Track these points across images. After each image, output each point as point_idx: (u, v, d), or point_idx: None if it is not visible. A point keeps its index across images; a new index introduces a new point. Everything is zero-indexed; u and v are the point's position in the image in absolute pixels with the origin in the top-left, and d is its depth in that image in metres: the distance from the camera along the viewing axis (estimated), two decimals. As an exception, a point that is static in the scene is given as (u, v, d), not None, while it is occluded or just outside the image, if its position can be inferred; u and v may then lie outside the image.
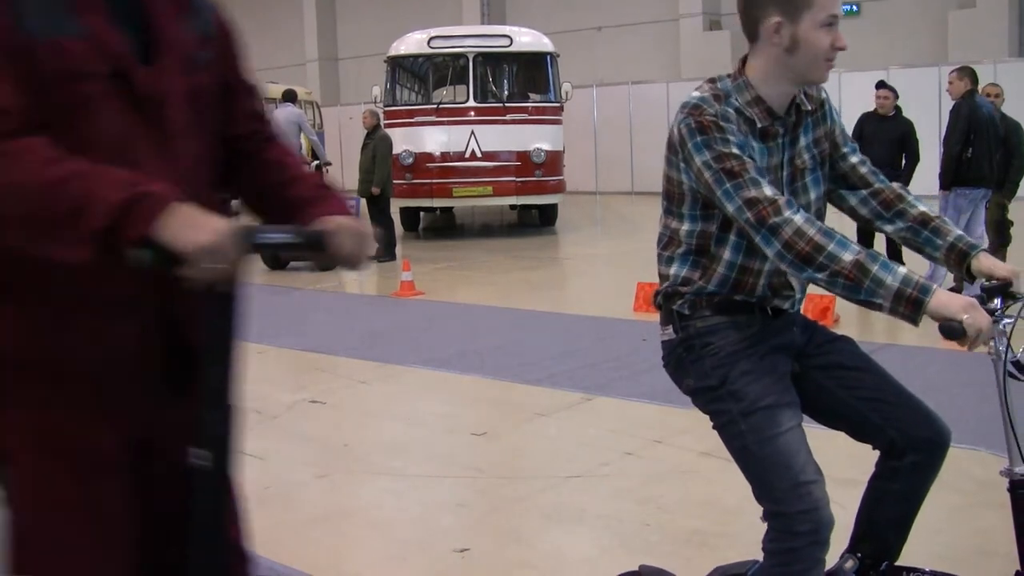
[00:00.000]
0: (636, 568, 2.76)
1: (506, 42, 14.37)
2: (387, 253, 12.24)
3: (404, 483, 4.42)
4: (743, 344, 2.27)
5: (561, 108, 14.59)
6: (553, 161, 14.19)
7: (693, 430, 4.94)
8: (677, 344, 2.35)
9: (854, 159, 2.40)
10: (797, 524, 2.17)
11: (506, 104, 14.22)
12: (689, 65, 21.99)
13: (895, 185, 2.42)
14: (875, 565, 2.40)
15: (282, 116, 11.67)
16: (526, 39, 14.62)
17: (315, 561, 3.57)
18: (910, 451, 2.28)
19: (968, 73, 7.84)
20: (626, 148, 21.43)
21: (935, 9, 19.10)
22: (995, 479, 2.30)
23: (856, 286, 2.00)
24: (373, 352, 7.07)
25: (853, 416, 2.34)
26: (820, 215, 2.32)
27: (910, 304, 1.96)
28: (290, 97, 12.04)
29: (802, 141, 2.31)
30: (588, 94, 21.19)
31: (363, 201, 12.54)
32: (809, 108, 2.31)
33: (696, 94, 2.24)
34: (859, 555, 2.41)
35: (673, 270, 2.32)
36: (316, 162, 11.82)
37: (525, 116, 14.27)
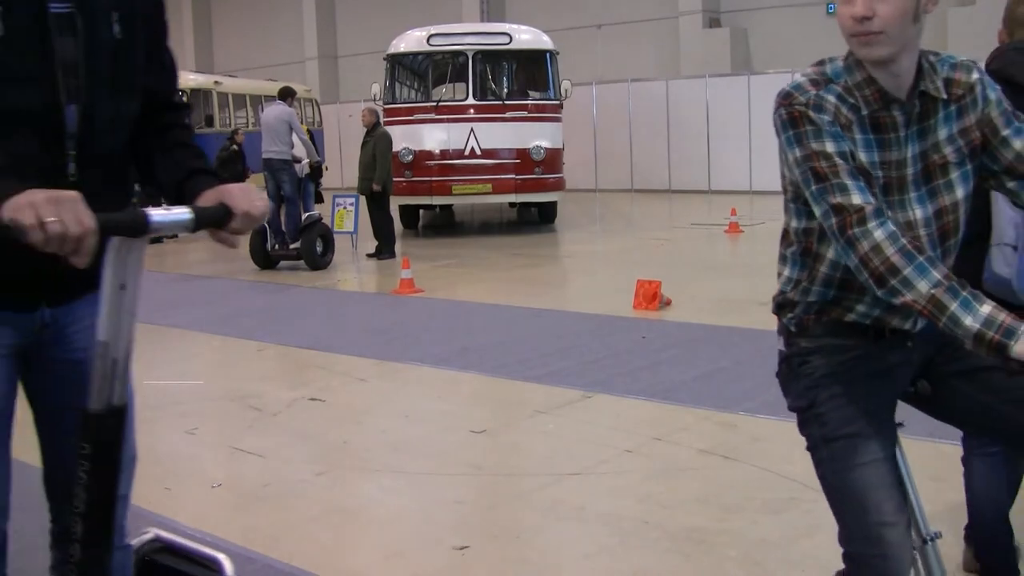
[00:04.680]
0: None
1: (506, 40, 14.36)
2: (387, 251, 12.24)
3: (403, 480, 4.42)
4: (840, 366, 2.09)
5: (561, 106, 14.59)
6: (553, 158, 14.19)
7: (692, 427, 4.94)
8: (782, 360, 2.20)
9: (1019, 143, 2.03)
10: (861, 568, 2.01)
11: (505, 102, 14.22)
12: (688, 63, 22.00)
13: None
14: None
15: (272, 114, 11.60)
16: (526, 37, 14.62)
17: (314, 558, 3.57)
18: None
19: None
20: (626, 146, 21.43)
21: (935, 6, 19.09)
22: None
23: (932, 321, 1.84)
24: (373, 349, 7.07)
25: (1004, 422, 2.11)
26: (965, 215, 2.08)
27: (992, 348, 1.79)
28: (283, 95, 11.95)
29: (941, 133, 2.02)
30: (588, 91, 21.19)
31: (363, 198, 12.55)
32: (946, 96, 2.02)
33: (796, 78, 2.04)
34: None
35: (786, 271, 2.18)
36: (306, 160, 11.67)
37: (525, 114, 14.26)
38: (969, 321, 1.79)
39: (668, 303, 8.17)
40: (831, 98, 1.97)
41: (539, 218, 15.34)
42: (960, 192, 2.03)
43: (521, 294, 9.34)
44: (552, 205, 14.97)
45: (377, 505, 4.17)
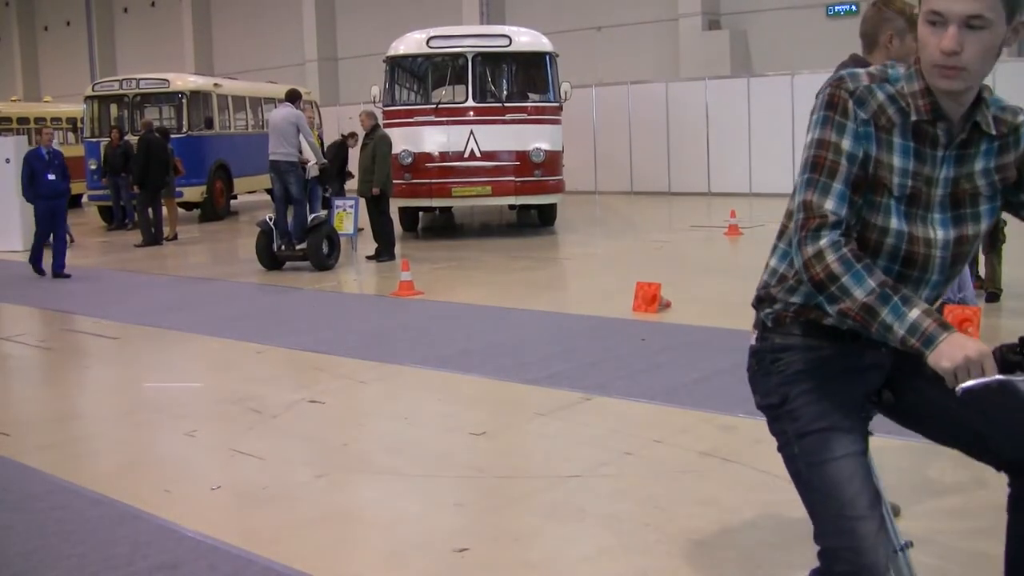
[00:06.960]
0: None
1: (505, 42, 14.37)
2: (386, 253, 12.24)
3: (403, 483, 4.41)
4: (812, 363, 2.11)
5: (560, 108, 14.59)
6: (552, 161, 14.18)
7: (693, 430, 4.94)
8: (752, 355, 2.23)
9: None
10: (835, 563, 1.99)
11: (505, 104, 14.22)
12: (688, 65, 22.02)
13: None
14: None
15: (280, 116, 11.62)
16: (525, 39, 14.62)
17: (314, 561, 3.57)
18: None
19: None
20: (625, 148, 21.43)
21: (934, 9, 19.11)
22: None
23: (865, 327, 1.91)
24: (372, 352, 7.06)
25: (958, 426, 2.12)
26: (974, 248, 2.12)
27: (914, 352, 1.87)
28: (291, 97, 12.00)
29: (978, 164, 2.05)
30: (587, 94, 21.19)
31: (362, 201, 12.55)
32: (995, 132, 2.05)
33: (855, 68, 2.07)
34: None
35: (773, 262, 2.18)
36: (313, 162, 11.79)
37: (524, 116, 14.26)
38: (897, 327, 1.86)
39: (668, 305, 8.16)
40: (881, 95, 1.99)
41: (539, 220, 15.34)
42: (984, 224, 2.08)
43: (521, 296, 9.34)
44: (552, 207, 14.98)
45: (377, 507, 4.17)
